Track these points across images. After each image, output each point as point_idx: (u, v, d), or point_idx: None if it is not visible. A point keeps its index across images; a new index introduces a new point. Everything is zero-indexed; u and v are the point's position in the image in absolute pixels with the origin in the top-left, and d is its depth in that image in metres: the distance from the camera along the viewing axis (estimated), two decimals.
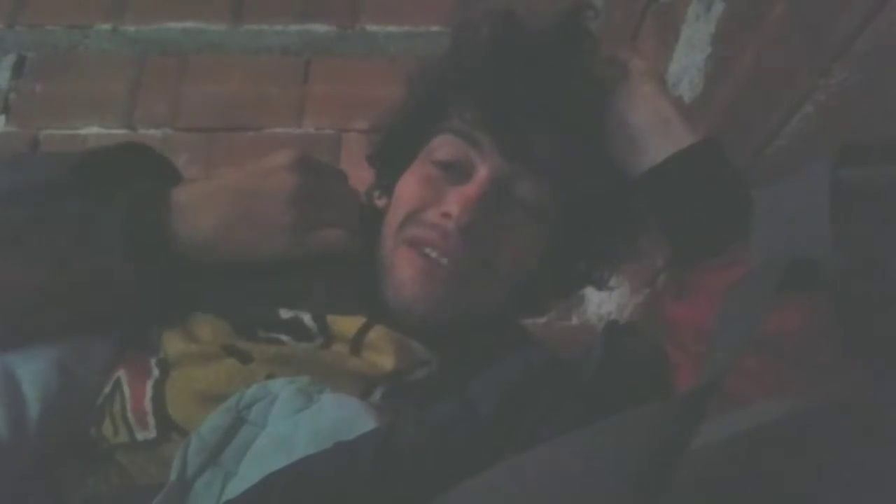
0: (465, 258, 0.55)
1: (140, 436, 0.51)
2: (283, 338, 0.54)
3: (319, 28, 1.49)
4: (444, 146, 0.59)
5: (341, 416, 0.46)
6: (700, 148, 0.55)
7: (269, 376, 0.52)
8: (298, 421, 0.46)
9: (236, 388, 0.48)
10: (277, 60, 1.49)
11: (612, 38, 1.28)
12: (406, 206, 0.59)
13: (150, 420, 0.51)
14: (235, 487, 0.43)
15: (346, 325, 0.54)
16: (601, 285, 0.70)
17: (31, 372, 0.51)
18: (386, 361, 0.53)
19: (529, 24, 0.59)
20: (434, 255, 0.56)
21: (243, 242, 0.53)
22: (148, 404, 0.51)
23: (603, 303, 1.21)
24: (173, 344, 0.54)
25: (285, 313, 0.55)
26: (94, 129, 1.41)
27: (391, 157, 0.67)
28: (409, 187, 0.60)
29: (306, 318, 0.54)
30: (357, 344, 0.53)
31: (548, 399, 0.39)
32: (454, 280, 0.56)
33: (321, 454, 0.40)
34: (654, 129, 0.56)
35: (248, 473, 0.44)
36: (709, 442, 0.29)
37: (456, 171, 0.58)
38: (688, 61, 0.87)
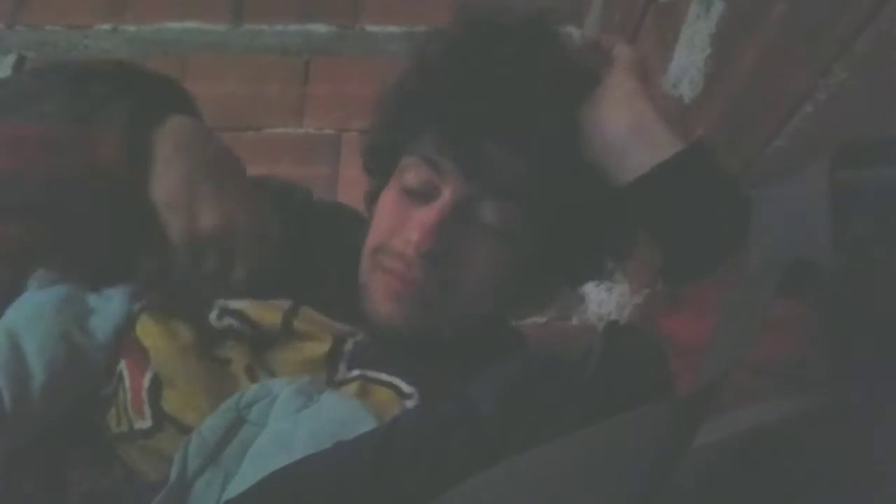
0: (428, 282, 0.56)
1: (137, 425, 0.52)
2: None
3: (319, 28, 1.49)
4: (410, 169, 0.59)
5: (341, 416, 0.46)
6: (687, 155, 0.52)
7: (248, 368, 0.54)
8: (298, 420, 0.46)
9: (219, 381, 0.51)
10: (277, 60, 1.48)
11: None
12: (377, 233, 0.60)
13: (147, 410, 0.52)
14: (236, 487, 0.43)
15: (269, 314, 0.55)
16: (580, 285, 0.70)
17: (37, 343, 0.51)
18: (315, 347, 0.55)
19: (487, 36, 0.58)
20: (401, 282, 0.57)
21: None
22: (144, 394, 0.52)
23: (603, 303, 1.21)
24: (151, 338, 0.54)
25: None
26: None
27: (375, 169, 0.68)
28: (381, 213, 0.61)
29: (233, 322, 0.55)
30: (287, 331, 0.55)
31: (548, 399, 0.39)
32: (423, 302, 0.57)
33: (321, 454, 0.41)
34: (635, 136, 0.54)
35: (249, 473, 0.44)
36: (709, 442, 0.29)
37: (422, 195, 0.58)
38: (688, 61, 0.87)
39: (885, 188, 0.39)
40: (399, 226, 0.58)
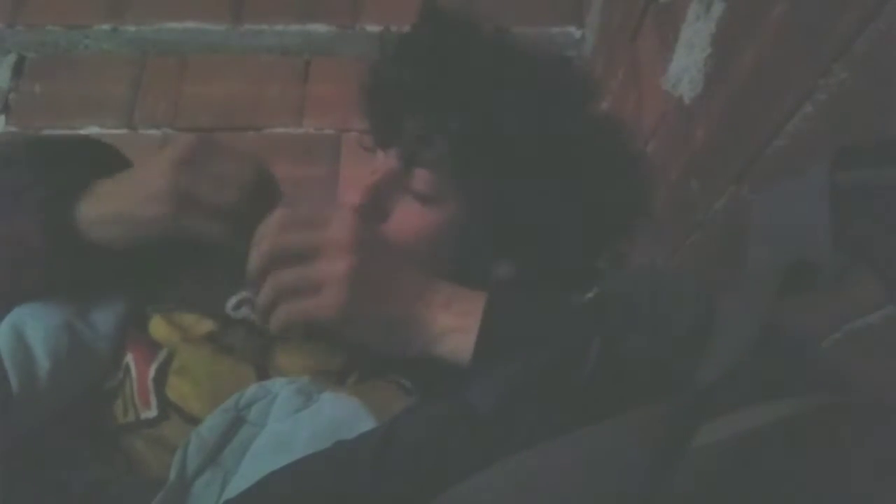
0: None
1: (144, 414, 0.53)
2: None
3: (319, 28, 1.49)
4: (378, 156, 0.67)
5: (341, 416, 0.46)
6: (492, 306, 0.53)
7: (258, 365, 0.54)
8: (298, 420, 0.46)
9: (228, 375, 0.52)
10: (277, 60, 1.49)
11: (612, 38, 1.28)
12: None
13: (153, 399, 0.53)
14: (235, 487, 0.43)
15: None
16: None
17: (41, 333, 0.53)
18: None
19: (410, 33, 0.70)
20: None
21: (127, 218, 0.54)
22: (150, 384, 0.54)
23: None
24: (163, 329, 0.57)
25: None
26: (94, 129, 1.41)
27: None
28: None
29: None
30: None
31: (547, 399, 0.39)
32: None
33: (321, 453, 0.41)
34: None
35: (248, 473, 0.44)
36: (709, 442, 0.29)
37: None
38: (688, 61, 0.87)
39: (885, 188, 0.39)
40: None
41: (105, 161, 0.62)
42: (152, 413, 0.53)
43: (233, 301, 0.58)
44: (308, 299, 0.50)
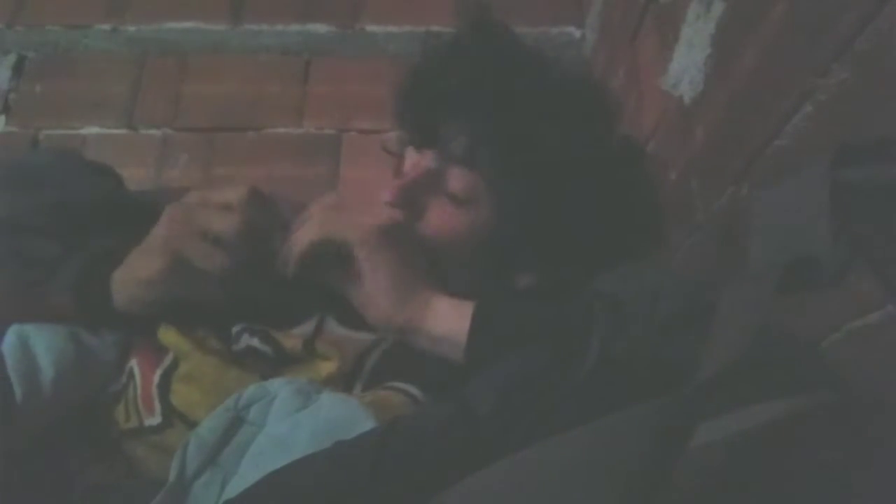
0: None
1: (147, 421, 0.53)
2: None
3: (319, 28, 1.49)
4: (408, 156, 0.68)
5: (340, 416, 0.46)
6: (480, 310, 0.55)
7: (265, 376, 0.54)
8: (297, 421, 0.46)
9: (232, 382, 0.52)
10: (277, 60, 1.48)
11: (612, 38, 1.28)
12: None
13: (157, 406, 0.53)
14: (235, 487, 0.43)
15: (291, 341, 0.58)
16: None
17: (45, 342, 0.53)
18: (329, 366, 0.57)
19: (449, 36, 0.70)
20: None
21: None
22: (154, 391, 0.54)
23: None
24: (173, 337, 0.57)
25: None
26: (94, 129, 1.41)
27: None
28: None
29: (255, 342, 0.57)
30: (309, 354, 0.58)
31: (546, 398, 0.39)
32: None
33: (320, 454, 0.40)
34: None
35: (248, 473, 0.44)
36: (709, 441, 0.29)
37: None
38: (688, 61, 0.87)
39: (885, 188, 0.39)
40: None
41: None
42: (156, 420, 0.53)
43: (236, 331, 0.58)
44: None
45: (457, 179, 0.64)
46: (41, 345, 0.53)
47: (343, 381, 0.56)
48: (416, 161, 0.66)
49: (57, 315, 0.55)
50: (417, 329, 0.55)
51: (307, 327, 0.59)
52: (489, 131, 0.63)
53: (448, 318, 0.54)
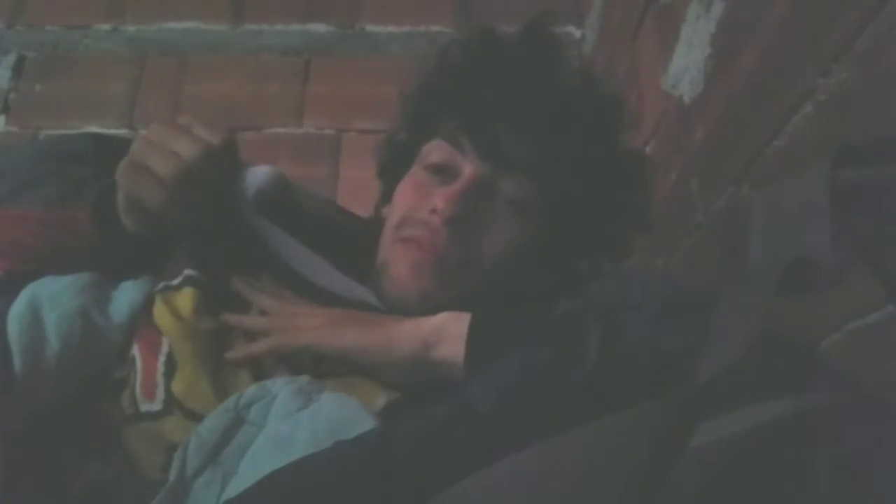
0: (451, 249, 0.59)
1: (144, 407, 0.53)
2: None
3: (319, 28, 1.49)
4: (433, 151, 0.64)
5: (340, 416, 0.46)
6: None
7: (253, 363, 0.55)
8: (297, 420, 0.46)
9: (223, 371, 0.53)
10: (277, 60, 1.49)
11: (612, 38, 1.28)
12: (400, 208, 0.63)
13: (159, 393, 0.53)
14: (235, 487, 0.43)
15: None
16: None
17: (56, 314, 0.53)
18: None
19: (501, 37, 0.67)
20: (422, 249, 0.60)
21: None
22: (159, 377, 0.54)
23: None
24: (164, 318, 0.57)
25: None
26: (94, 129, 1.41)
27: (392, 167, 0.71)
28: (403, 192, 0.65)
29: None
30: None
31: (547, 398, 0.39)
32: (443, 271, 0.59)
33: (320, 453, 0.40)
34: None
35: (248, 473, 0.44)
36: (709, 441, 0.29)
37: (445, 174, 0.63)
38: (688, 61, 0.87)
39: (885, 188, 0.39)
40: (422, 200, 0.62)
41: None
42: (156, 406, 0.53)
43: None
44: None
45: (517, 188, 0.62)
46: (52, 315, 0.53)
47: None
48: (451, 157, 0.63)
49: (76, 232, 0.58)
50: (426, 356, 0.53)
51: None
52: (548, 140, 0.61)
53: (445, 338, 0.53)
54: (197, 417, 0.50)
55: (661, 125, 0.97)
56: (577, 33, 1.49)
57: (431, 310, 0.58)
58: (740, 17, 0.75)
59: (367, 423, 0.45)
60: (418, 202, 0.62)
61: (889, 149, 0.39)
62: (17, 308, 0.53)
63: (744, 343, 0.31)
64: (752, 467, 0.30)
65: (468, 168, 0.61)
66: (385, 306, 0.61)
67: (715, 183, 0.78)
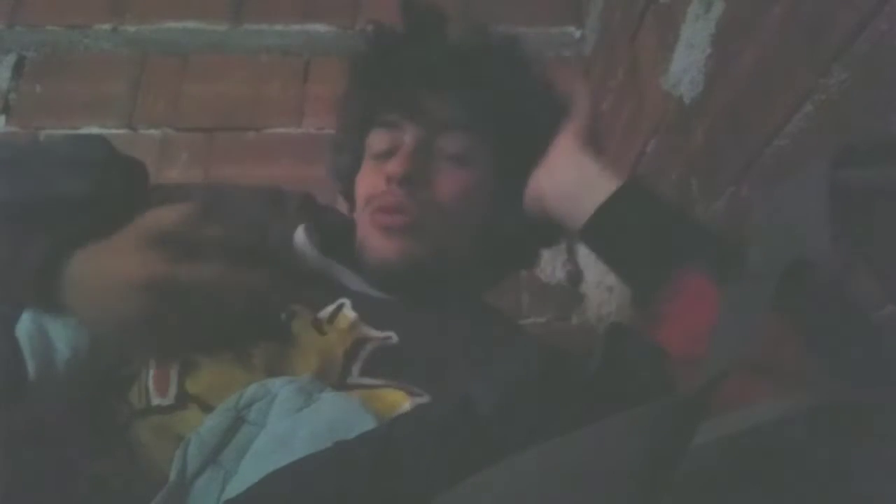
0: (412, 203, 0.66)
1: (155, 401, 0.54)
2: None
3: (319, 28, 1.49)
4: (375, 141, 0.71)
5: (340, 416, 0.46)
6: (621, 192, 0.61)
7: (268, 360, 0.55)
8: (298, 420, 0.46)
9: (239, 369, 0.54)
10: (277, 60, 1.49)
11: (612, 37, 1.28)
12: (363, 193, 0.71)
13: (172, 389, 0.54)
14: (235, 487, 0.43)
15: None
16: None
17: (61, 323, 0.54)
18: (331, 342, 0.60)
19: (391, 26, 0.74)
20: (389, 213, 0.67)
21: None
22: (173, 376, 0.55)
23: (603, 303, 1.21)
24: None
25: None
26: (94, 129, 1.41)
27: (344, 167, 0.78)
28: (361, 181, 0.73)
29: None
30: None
31: (548, 399, 0.39)
32: (412, 228, 0.66)
33: (321, 453, 0.40)
34: (582, 188, 0.63)
35: (248, 473, 0.44)
36: (709, 441, 0.29)
37: (390, 152, 0.69)
38: (688, 61, 0.87)
39: (885, 188, 0.39)
40: (378, 178, 0.69)
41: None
42: (167, 401, 0.54)
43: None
44: None
45: (454, 142, 0.69)
46: (57, 326, 0.53)
47: (342, 363, 0.58)
48: (391, 139, 0.69)
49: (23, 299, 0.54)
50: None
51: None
52: (461, 93, 0.69)
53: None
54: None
55: (661, 125, 0.97)
56: (577, 33, 1.49)
57: (413, 267, 0.66)
58: (740, 17, 0.75)
59: (367, 423, 0.45)
60: (375, 181, 0.69)
61: (889, 149, 0.39)
62: (22, 323, 0.53)
63: (744, 343, 0.31)
64: (752, 467, 0.30)
65: (407, 136, 0.69)
66: (370, 280, 0.67)
67: (715, 183, 0.78)
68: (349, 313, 0.63)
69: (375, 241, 0.67)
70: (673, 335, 0.53)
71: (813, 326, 0.38)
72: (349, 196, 0.78)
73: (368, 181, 0.71)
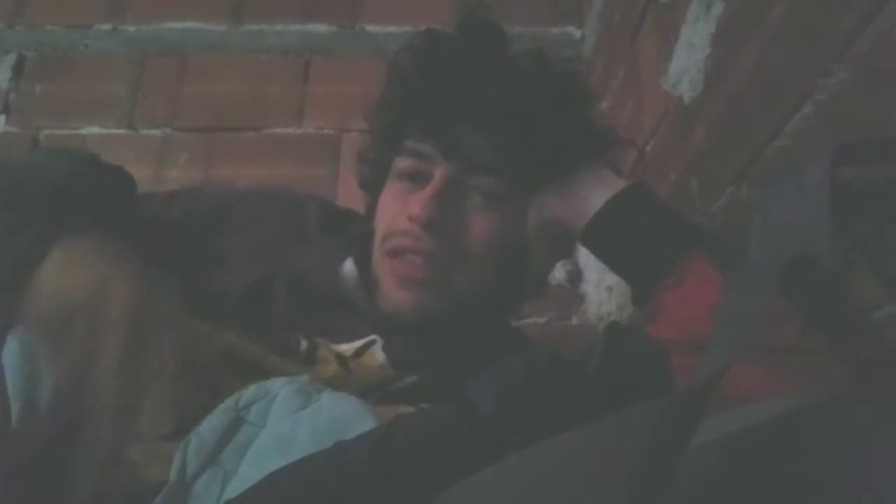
0: (436, 252, 0.61)
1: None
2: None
3: (319, 28, 1.49)
4: (402, 163, 0.66)
5: (341, 416, 0.46)
6: (625, 193, 0.60)
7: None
8: (298, 420, 0.46)
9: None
10: (277, 60, 1.49)
11: (612, 38, 1.28)
12: (382, 223, 0.65)
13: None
14: (235, 487, 0.43)
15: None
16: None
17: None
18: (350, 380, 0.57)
19: (444, 37, 0.69)
20: (412, 264, 0.61)
21: None
22: None
23: (603, 303, 1.21)
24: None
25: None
26: (94, 129, 1.41)
27: (371, 181, 0.73)
28: (383, 205, 0.67)
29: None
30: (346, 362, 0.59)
31: (547, 398, 0.39)
32: (433, 276, 0.61)
33: (321, 453, 0.40)
34: (594, 190, 0.61)
35: (248, 473, 0.44)
36: (708, 441, 0.29)
37: (418, 180, 0.64)
38: (688, 61, 0.87)
39: (885, 188, 0.39)
40: (401, 210, 0.63)
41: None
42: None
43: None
44: None
45: (486, 181, 0.63)
46: (44, 360, 0.50)
47: (358, 393, 0.56)
48: (419, 167, 0.64)
49: None
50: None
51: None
52: (511, 139, 0.63)
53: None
54: None
55: (661, 125, 0.97)
56: (577, 33, 1.49)
57: (427, 320, 0.61)
58: (740, 17, 0.75)
59: (367, 423, 0.45)
60: (398, 213, 0.63)
61: (889, 149, 0.39)
62: (8, 351, 0.50)
63: (744, 343, 0.31)
64: (752, 467, 0.30)
65: (438, 171, 0.63)
66: (380, 319, 0.62)
67: (715, 183, 0.78)
68: (378, 355, 0.59)
69: (390, 289, 0.62)
70: (672, 318, 0.53)
71: (812, 318, 0.38)
72: (371, 214, 0.71)
73: (390, 210, 0.65)
